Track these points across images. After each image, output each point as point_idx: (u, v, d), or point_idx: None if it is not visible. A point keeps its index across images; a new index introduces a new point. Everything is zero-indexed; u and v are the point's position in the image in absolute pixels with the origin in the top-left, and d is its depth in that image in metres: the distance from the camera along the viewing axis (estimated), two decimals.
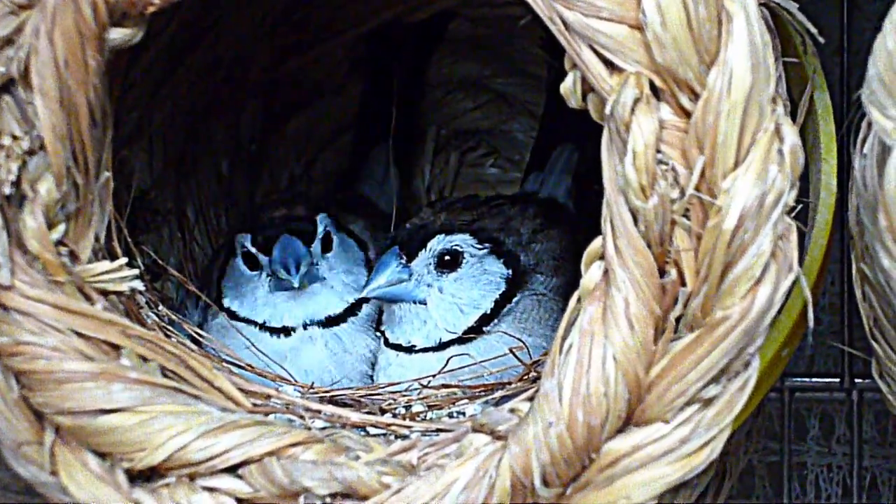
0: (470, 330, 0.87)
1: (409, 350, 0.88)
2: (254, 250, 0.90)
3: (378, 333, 0.91)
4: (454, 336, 0.87)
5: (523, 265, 0.89)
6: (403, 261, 0.87)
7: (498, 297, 0.88)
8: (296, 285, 0.89)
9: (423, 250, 0.88)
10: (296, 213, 0.92)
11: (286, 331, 0.90)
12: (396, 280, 0.87)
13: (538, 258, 0.90)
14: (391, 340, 0.89)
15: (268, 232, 0.90)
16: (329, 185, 1.09)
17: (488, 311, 0.88)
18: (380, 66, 1.07)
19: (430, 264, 0.88)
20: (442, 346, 0.87)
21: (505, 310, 0.88)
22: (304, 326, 0.90)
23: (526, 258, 0.89)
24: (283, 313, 0.90)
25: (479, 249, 0.88)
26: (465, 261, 0.88)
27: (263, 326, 0.90)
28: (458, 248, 0.88)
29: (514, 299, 0.88)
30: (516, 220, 0.91)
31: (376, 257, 0.93)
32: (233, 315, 0.91)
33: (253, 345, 0.88)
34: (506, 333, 0.86)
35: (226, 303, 0.92)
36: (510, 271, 0.89)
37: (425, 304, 0.88)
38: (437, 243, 0.88)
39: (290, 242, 0.89)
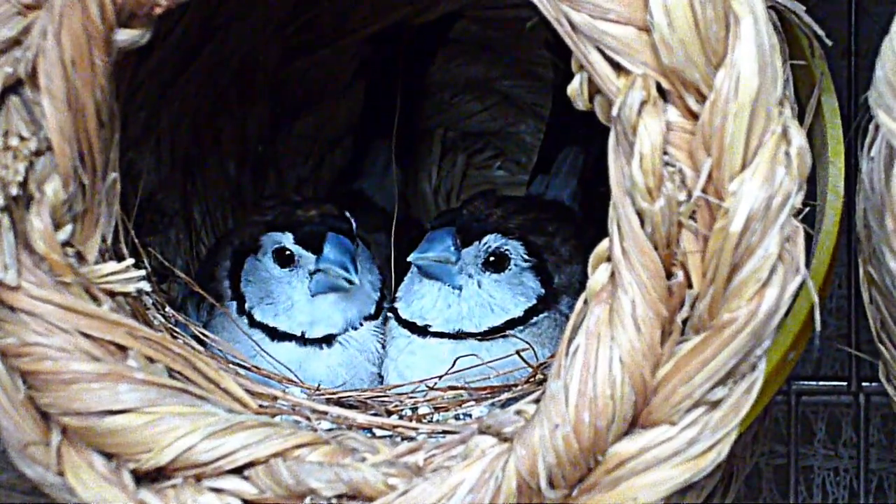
0: (491, 330, 0.87)
1: (423, 332, 0.88)
2: (298, 249, 0.88)
3: (389, 313, 0.91)
4: (474, 331, 0.87)
5: (556, 286, 0.89)
6: (458, 244, 0.87)
7: (527, 308, 0.88)
8: (356, 282, 0.86)
9: (478, 242, 0.88)
10: (330, 212, 0.89)
11: (327, 340, 0.89)
12: (445, 259, 0.87)
13: (570, 280, 0.90)
14: (405, 316, 0.89)
15: (310, 229, 0.88)
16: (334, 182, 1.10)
17: (516, 318, 0.88)
18: (383, 65, 1.07)
19: (478, 257, 0.88)
20: (458, 336, 0.87)
21: (529, 322, 0.88)
22: (345, 331, 0.89)
23: (559, 280, 0.90)
24: (324, 320, 0.89)
25: (525, 262, 0.89)
26: (509, 268, 0.88)
27: (298, 338, 0.89)
28: (508, 253, 0.88)
29: (540, 315, 0.89)
30: (557, 238, 0.92)
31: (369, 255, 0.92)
32: (254, 321, 0.89)
33: (262, 350, 0.88)
34: (522, 341, 0.86)
35: (251, 309, 0.90)
36: (543, 291, 0.89)
37: (460, 290, 0.88)
38: (493, 241, 0.88)
39: (342, 241, 0.87)
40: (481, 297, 0.88)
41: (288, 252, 0.88)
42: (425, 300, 0.88)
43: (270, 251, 0.89)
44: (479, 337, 0.87)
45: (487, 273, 0.88)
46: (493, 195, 0.96)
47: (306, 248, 0.88)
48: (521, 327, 0.88)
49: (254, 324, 0.89)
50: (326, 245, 0.87)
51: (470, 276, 0.88)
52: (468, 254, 0.88)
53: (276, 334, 0.89)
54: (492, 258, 0.88)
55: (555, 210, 0.97)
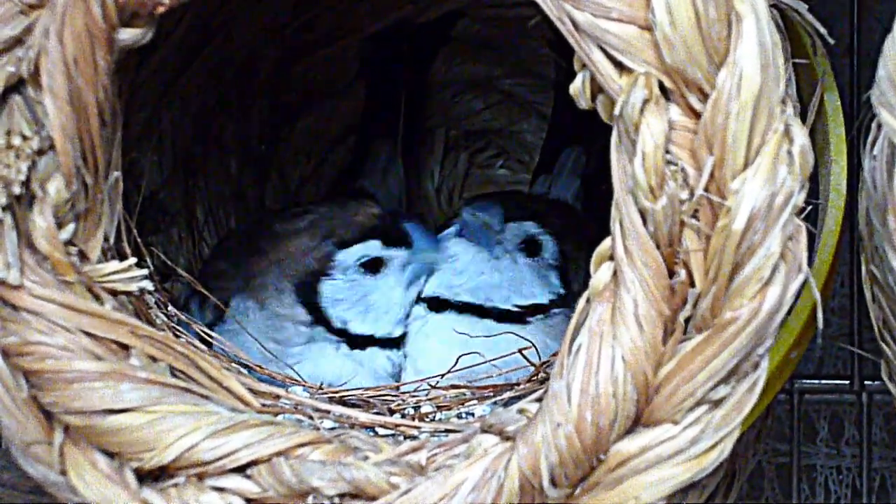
0: (513, 313, 0.88)
1: (443, 307, 0.88)
2: (389, 251, 0.89)
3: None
4: (500, 307, 0.88)
5: (573, 289, 0.90)
6: (504, 217, 0.88)
7: (547, 302, 0.89)
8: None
9: (520, 222, 0.89)
10: (377, 210, 0.91)
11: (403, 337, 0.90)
12: (491, 224, 0.88)
13: (583, 287, 0.90)
14: (426, 292, 0.90)
15: (390, 229, 0.89)
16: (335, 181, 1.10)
17: (541, 304, 0.89)
18: (385, 64, 1.07)
19: (517, 237, 0.88)
20: (483, 311, 0.87)
21: (548, 312, 0.89)
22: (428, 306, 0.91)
23: (576, 286, 0.90)
24: (408, 308, 0.90)
25: (554, 260, 0.89)
26: (538, 259, 0.89)
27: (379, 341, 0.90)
28: (542, 243, 0.89)
29: (558, 309, 0.89)
30: (580, 247, 0.92)
31: None
32: (354, 340, 0.90)
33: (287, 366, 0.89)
34: (524, 339, 0.86)
35: (354, 328, 0.90)
36: (563, 291, 0.89)
37: (498, 260, 0.88)
38: (533, 227, 0.89)
39: (422, 227, 0.90)
40: (516, 272, 0.88)
41: (375, 258, 0.89)
42: (458, 262, 0.89)
43: (354, 265, 0.89)
44: (498, 318, 0.88)
45: (521, 255, 0.89)
46: (533, 194, 0.97)
47: (398, 247, 0.89)
48: (542, 315, 0.88)
49: (355, 343, 0.90)
50: (415, 235, 0.90)
51: (507, 251, 0.88)
52: (510, 229, 0.88)
53: (368, 341, 0.90)
54: (524, 244, 0.89)
55: (571, 215, 0.98)
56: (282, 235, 0.94)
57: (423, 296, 0.90)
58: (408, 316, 0.90)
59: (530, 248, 0.89)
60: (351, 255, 0.90)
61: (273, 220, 0.96)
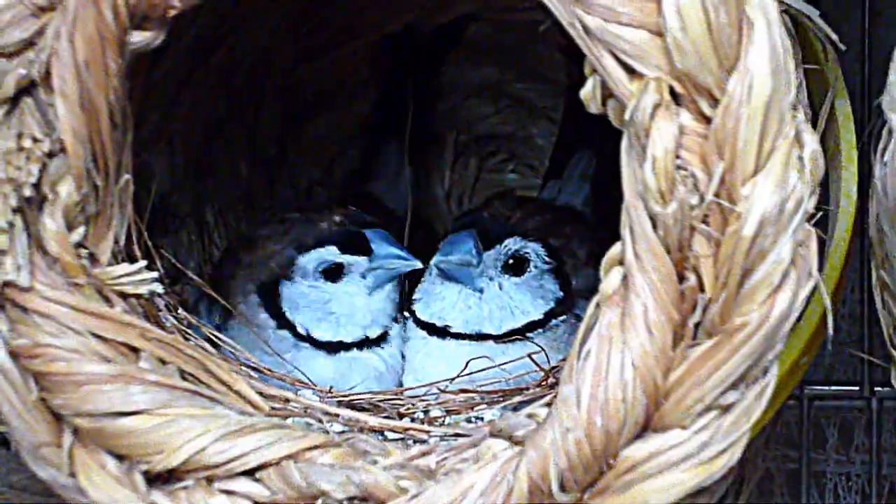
0: (510, 333, 0.87)
1: (441, 333, 0.88)
2: (347, 258, 0.88)
3: (406, 314, 0.91)
4: (493, 333, 0.87)
5: (574, 290, 0.89)
6: (480, 247, 0.87)
7: (546, 312, 0.88)
8: (419, 264, 0.87)
9: (499, 245, 0.88)
10: (349, 212, 0.90)
11: (383, 337, 0.89)
12: (466, 262, 0.87)
13: (586, 283, 0.90)
14: (423, 317, 0.89)
15: (348, 235, 0.88)
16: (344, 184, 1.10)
17: (536, 320, 0.88)
18: (395, 68, 1.07)
19: (498, 260, 0.88)
20: (478, 337, 0.87)
21: (546, 326, 0.88)
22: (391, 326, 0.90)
23: (576, 283, 0.90)
24: (380, 314, 0.89)
25: (545, 264, 0.89)
26: (529, 270, 0.88)
27: (354, 345, 0.89)
28: (528, 255, 0.88)
29: (558, 319, 0.88)
30: (574, 240, 0.92)
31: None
32: (317, 343, 0.89)
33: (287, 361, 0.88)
34: (537, 345, 0.86)
35: (309, 331, 0.89)
36: (562, 294, 0.89)
37: (481, 293, 0.88)
38: (514, 244, 0.88)
39: (384, 234, 0.88)
40: (502, 299, 0.88)
41: (335, 265, 0.88)
42: (446, 301, 0.88)
43: (314, 271, 0.89)
44: (497, 339, 0.87)
45: (507, 276, 0.88)
46: (512, 196, 0.95)
47: (355, 253, 0.88)
48: (541, 330, 0.88)
49: (319, 345, 0.89)
50: (376, 243, 0.88)
51: (490, 278, 0.88)
52: (489, 257, 0.88)
53: (342, 346, 0.89)
54: (511, 261, 0.88)
55: (568, 213, 0.97)
56: (253, 241, 0.94)
57: (421, 320, 0.89)
58: (377, 320, 0.89)
59: (516, 266, 0.88)
60: (310, 261, 0.89)
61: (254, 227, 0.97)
